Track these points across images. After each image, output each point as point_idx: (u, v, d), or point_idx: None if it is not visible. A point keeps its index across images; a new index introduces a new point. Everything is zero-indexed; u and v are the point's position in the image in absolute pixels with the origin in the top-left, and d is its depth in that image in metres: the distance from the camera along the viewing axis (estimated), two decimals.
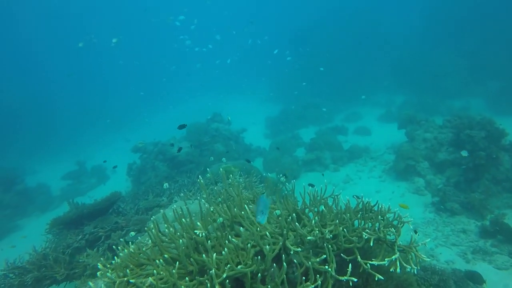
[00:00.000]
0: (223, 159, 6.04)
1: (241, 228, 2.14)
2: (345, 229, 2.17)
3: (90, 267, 3.62)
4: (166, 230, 2.20)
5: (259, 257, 1.89)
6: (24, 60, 28.30)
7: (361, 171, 8.36)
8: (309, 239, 2.08)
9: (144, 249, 2.17)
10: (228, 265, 1.84)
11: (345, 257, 2.10)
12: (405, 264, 2.12)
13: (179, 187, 5.97)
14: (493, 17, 13.40)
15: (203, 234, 2.07)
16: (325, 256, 2.02)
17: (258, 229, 2.16)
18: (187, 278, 1.81)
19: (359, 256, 2.08)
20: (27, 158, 16.34)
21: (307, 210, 2.55)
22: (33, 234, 6.35)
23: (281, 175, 4.35)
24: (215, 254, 1.87)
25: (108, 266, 2.13)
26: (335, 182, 7.93)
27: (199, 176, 2.87)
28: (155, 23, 22.81)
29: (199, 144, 9.54)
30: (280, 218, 2.23)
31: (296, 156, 9.81)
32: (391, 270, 2.12)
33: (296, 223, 2.10)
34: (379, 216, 2.38)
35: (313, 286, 1.85)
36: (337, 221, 2.21)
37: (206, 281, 1.83)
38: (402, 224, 2.42)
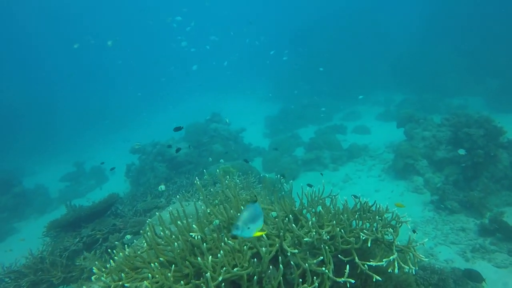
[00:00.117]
0: (221, 160, 6.01)
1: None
2: (342, 230, 2.15)
3: (87, 270, 3.60)
4: (162, 233, 2.18)
5: (255, 259, 1.87)
6: (24, 61, 28.23)
7: (360, 170, 8.34)
8: (306, 241, 2.06)
9: (139, 252, 2.14)
10: (224, 268, 1.82)
11: (343, 258, 2.08)
12: (403, 265, 2.10)
13: (177, 188, 5.94)
14: (492, 15, 13.40)
15: (199, 236, 2.05)
16: (322, 257, 1.99)
17: None
18: (182, 282, 1.79)
19: (356, 257, 2.06)
20: (26, 159, 16.29)
21: (304, 211, 2.52)
22: (31, 237, 6.31)
23: (279, 175, 4.33)
24: (210, 256, 1.85)
25: (104, 270, 2.10)
26: (334, 182, 7.92)
27: (196, 177, 2.85)
28: (153, 24, 22.77)
29: (198, 144, 9.52)
30: (277, 219, 2.21)
31: (295, 155, 9.79)
32: (389, 270, 2.10)
33: (293, 224, 2.08)
34: (377, 216, 2.36)
35: None
36: (334, 222, 2.19)
37: (202, 284, 1.80)
38: (400, 224, 2.40)
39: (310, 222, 2.17)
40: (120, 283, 1.93)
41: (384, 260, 2.06)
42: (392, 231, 2.28)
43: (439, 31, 14.81)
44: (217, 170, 2.91)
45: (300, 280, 1.91)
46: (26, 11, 27.12)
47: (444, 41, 14.37)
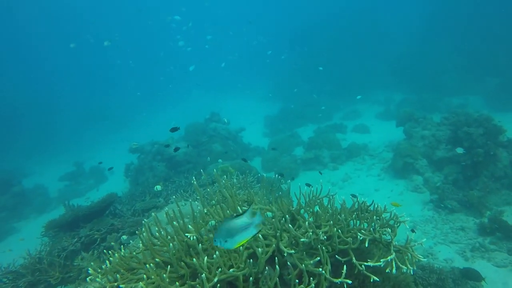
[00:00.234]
0: (219, 160, 5.99)
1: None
2: (339, 230, 2.14)
3: (85, 270, 3.58)
4: (157, 233, 2.16)
5: (251, 260, 1.85)
6: (24, 61, 28.21)
7: (359, 170, 8.32)
8: (303, 241, 2.04)
9: (134, 253, 2.13)
10: (220, 269, 1.81)
11: (340, 258, 2.07)
12: (401, 265, 2.09)
13: (176, 188, 5.92)
14: (492, 14, 13.37)
15: (194, 237, 2.03)
16: (319, 258, 1.98)
17: None
18: (177, 283, 1.77)
19: (354, 258, 2.04)
20: (26, 159, 16.28)
21: (302, 211, 2.51)
22: (30, 237, 6.30)
23: (277, 175, 4.31)
24: (206, 257, 1.83)
25: (99, 270, 2.09)
26: (334, 181, 7.91)
27: (193, 177, 2.83)
28: (152, 24, 22.75)
29: (197, 144, 9.50)
30: (274, 219, 2.19)
31: (294, 155, 9.77)
32: (387, 271, 2.08)
33: (290, 225, 2.07)
34: (375, 216, 2.34)
35: None
36: (332, 222, 2.17)
37: (197, 285, 1.79)
38: (398, 224, 2.38)
39: (307, 222, 2.15)
40: (115, 284, 1.91)
41: (382, 260, 2.04)
42: (390, 231, 2.26)
43: (439, 30, 14.79)
44: (214, 170, 2.89)
45: (297, 281, 1.89)
46: (26, 10, 27.09)
47: (444, 40, 14.34)
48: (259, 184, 4.60)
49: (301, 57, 16.68)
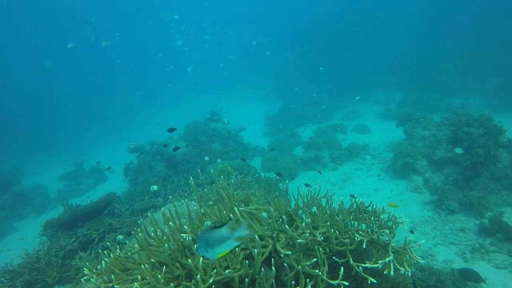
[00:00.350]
0: (218, 160, 5.97)
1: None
2: (337, 231, 2.12)
3: (82, 270, 3.56)
4: (152, 234, 2.14)
5: (246, 261, 1.83)
6: (24, 60, 28.22)
7: (359, 170, 8.30)
8: (300, 242, 2.02)
9: (130, 253, 2.11)
10: (215, 270, 1.79)
11: (337, 260, 2.05)
12: (399, 267, 2.07)
13: (174, 187, 5.91)
14: (492, 15, 13.33)
15: (190, 238, 2.01)
16: (316, 259, 1.96)
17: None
18: (171, 284, 1.75)
19: (351, 259, 2.02)
20: (26, 159, 16.29)
21: (300, 212, 2.49)
22: (29, 236, 6.30)
23: (276, 174, 4.29)
24: (201, 258, 1.81)
25: (94, 271, 2.07)
26: (333, 181, 7.88)
27: (190, 177, 2.81)
28: (152, 23, 22.73)
29: (197, 143, 9.48)
30: (271, 220, 2.17)
31: (294, 155, 9.74)
32: (385, 272, 2.06)
33: (286, 225, 2.05)
34: (373, 217, 2.32)
35: None
36: (329, 222, 2.15)
37: (193, 286, 1.77)
38: (396, 225, 2.36)
39: (303, 223, 2.13)
40: (110, 284, 1.90)
41: (379, 262, 2.02)
42: (388, 232, 2.24)
43: (439, 30, 14.75)
44: (212, 170, 2.87)
45: (293, 282, 1.87)
46: (26, 9, 27.11)
47: (444, 40, 14.31)
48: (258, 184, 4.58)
49: (301, 56, 16.66)
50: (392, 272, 2.02)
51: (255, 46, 16.33)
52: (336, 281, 1.87)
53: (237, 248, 1.93)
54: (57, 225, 4.77)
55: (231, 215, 2.15)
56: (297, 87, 14.43)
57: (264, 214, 2.44)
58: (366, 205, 2.48)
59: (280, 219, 2.15)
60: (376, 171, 7.99)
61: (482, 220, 5.36)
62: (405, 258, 2.15)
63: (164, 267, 1.90)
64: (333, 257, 2.07)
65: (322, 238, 2.09)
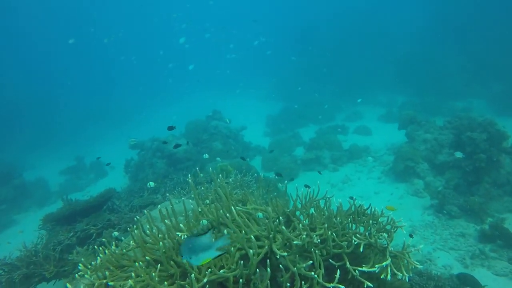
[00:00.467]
0: (218, 158, 5.95)
1: (225, 230, 2.07)
2: (334, 234, 2.09)
3: (79, 265, 3.56)
4: (148, 231, 2.13)
5: (242, 261, 1.82)
6: (26, 56, 28.35)
7: (360, 172, 8.25)
8: (296, 243, 2.00)
9: (125, 250, 2.10)
10: (210, 269, 1.77)
11: (334, 262, 2.02)
12: (396, 271, 2.04)
13: (174, 185, 5.91)
14: (496, 18, 13.21)
15: (185, 236, 2.00)
16: (312, 261, 1.94)
17: (244, 231, 2.09)
18: (165, 283, 1.74)
19: (348, 262, 2.00)
20: (27, 153, 16.38)
21: (298, 213, 2.46)
22: (29, 229, 6.32)
23: (275, 174, 4.27)
24: None
25: (89, 266, 2.06)
26: (333, 182, 7.85)
27: (189, 175, 2.80)
28: (156, 21, 22.75)
29: (198, 141, 9.48)
30: (268, 220, 2.15)
31: (295, 155, 9.71)
32: (382, 277, 2.03)
33: (283, 227, 2.02)
34: (371, 220, 2.29)
35: None
36: (327, 225, 2.12)
37: (187, 285, 1.76)
38: (395, 229, 2.33)
39: (300, 225, 2.11)
40: (104, 281, 1.89)
41: (376, 266, 2.00)
42: (386, 236, 2.21)
43: (443, 33, 14.64)
44: (210, 169, 2.85)
45: (288, 284, 1.85)
46: (27, 6, 27.20)
47: (448, 43, 14.20)
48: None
49: (305, 56, 16.59)
50: (389, 277, 1.99)
51: (257, 46, 16.29)
52: (332, 284, 1.85)
53: (232, 248, 1.91)
54: (56, 219, 4.78)
55: (227, 214, 2.14)
56: (300, 87, 14.38)
57: (259, 214, 2.43)
58: (365, 207, 2.45)
59: (277, 220, 2.13)
60: (377, 173, 7.95)
61: (482, 226, 5.30)
62: (403, 263, 2.12)
63: (159, 265, 1.89)
64: (330, 260, 2.04)
65: (319, 240, 2.06)
